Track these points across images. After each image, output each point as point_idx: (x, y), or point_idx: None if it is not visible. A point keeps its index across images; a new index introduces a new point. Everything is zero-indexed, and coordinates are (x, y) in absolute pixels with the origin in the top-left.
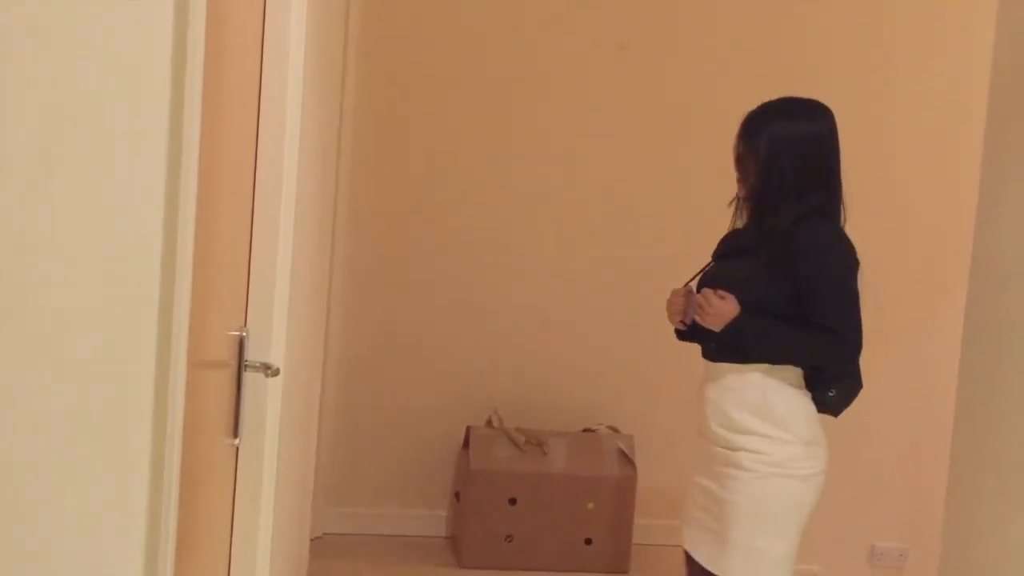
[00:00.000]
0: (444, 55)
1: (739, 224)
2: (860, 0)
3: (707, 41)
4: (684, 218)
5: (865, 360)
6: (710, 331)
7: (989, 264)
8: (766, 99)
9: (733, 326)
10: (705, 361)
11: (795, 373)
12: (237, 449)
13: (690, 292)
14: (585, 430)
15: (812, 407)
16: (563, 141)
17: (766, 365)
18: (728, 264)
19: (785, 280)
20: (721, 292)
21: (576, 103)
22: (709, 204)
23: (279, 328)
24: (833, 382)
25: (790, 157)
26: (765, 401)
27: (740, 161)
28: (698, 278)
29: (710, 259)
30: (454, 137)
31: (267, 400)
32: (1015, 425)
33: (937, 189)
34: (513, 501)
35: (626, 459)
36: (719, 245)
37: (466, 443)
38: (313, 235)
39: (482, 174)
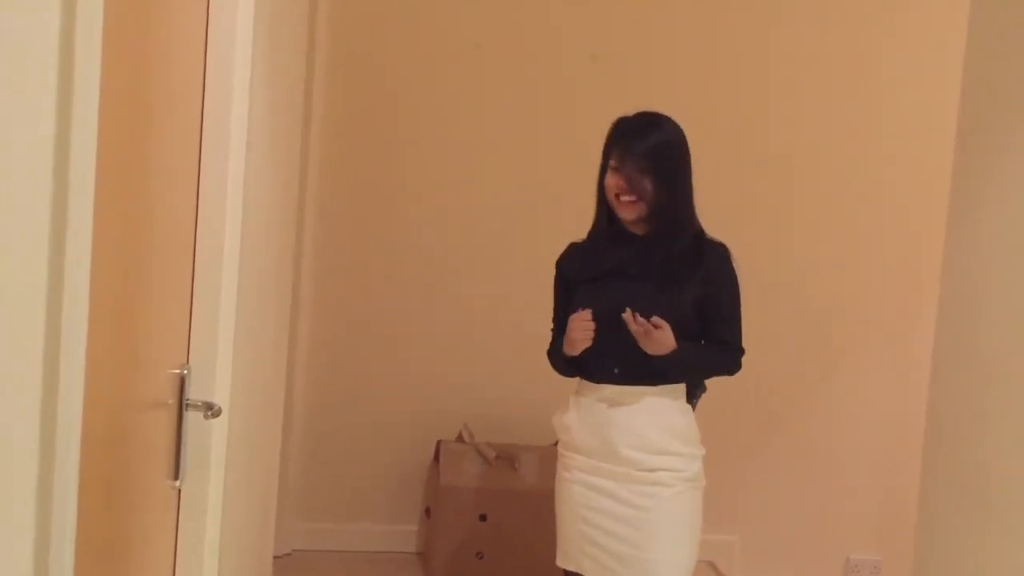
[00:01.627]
0: (414, 62)
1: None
2: (831, 13)
3: (681, 51)
4: None
5: (839, 373)
6: (612, 356)
7: (959, 279)
8: (739, 110)
9: (672, 354)
10: (599, 384)
11: (684, 390)
12: (179, 491)
13: (591, 317)
14: (556, 444)
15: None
16: (536, 149)
17: (670, 385)
18: (632, 284)
19: (694, 298)
20: (656, 320)
21: (549, 110)
22: None
23: (224, 363)
24: (695, 391)
25: (684, 165)
26: (684, 424)
27: (631, 181)
28: (597, 303)
29: (575, 275)
30: (426, 149)
31: (211, 439)
32: (985, 443)
33: (910, 201)
34: (484, 517)
35: None
36: (580, 262)
37: (436, 458)
38: (271, 250)
39: (454, 185)
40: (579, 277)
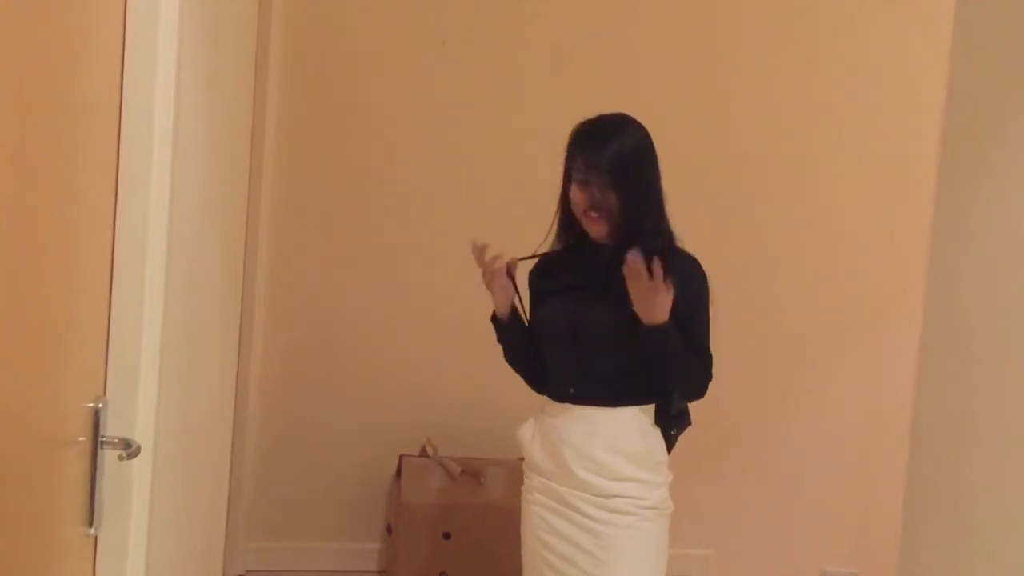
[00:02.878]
0: (376, 58)
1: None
2: (805, 13)
3: (651, 50)
4: None
5: (816, 379)
6: (569, 375)
7: (944, 291)
8: (710, 111)
9: (662, 330)
10: (558, 403)
11: (651, 412)
12: (96, 539)
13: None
14: (522, 458)
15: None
16: (503, 148)
17: (631, 407)
18: (592, 297)
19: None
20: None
21: (514, 108)
22: None
23: (147, 394)
24: (675, 421)
25: (651, 170)
26: (645, 448)
27: (596, 199)
28: (556, 317)
29: (540, 288)
30: (387, 150)
31: (131, 480)
32: (970, 456)
33: (887, 208)
34: (448, 535)
35: None
36: (546, 274)
37: (398, 473)
38: (215, 258)
39: (417, 187)
40: (543, 289)
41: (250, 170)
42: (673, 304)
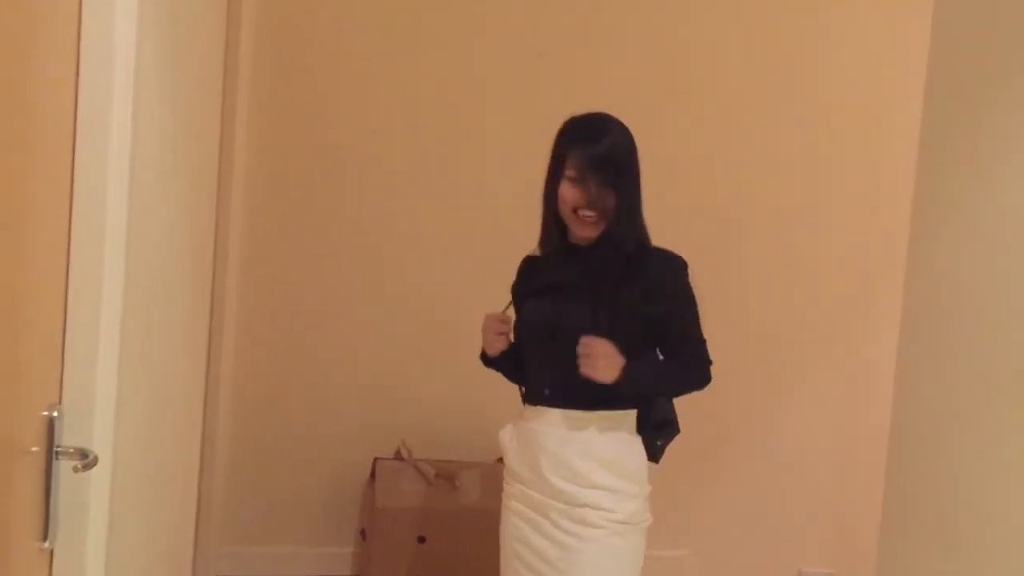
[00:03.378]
0: (349, 55)
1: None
2: (784, 11)
3: (631, 49)
4: None
5: (791, 384)
6: (544, 376)
7: (923, 294)
8: (687, 111)
9: (625, 374)
10: (534, 407)
11: (632, 419)
12: (51, 554)
13: (509, 325)
14: (499, 460)
15: (645, 453)
16: (480, 146)
17: (607, 412)
18: (569, 299)
19: (643, 314)
20: (588, 340)
21: (492, 106)
22: None
23: (105, 401)
24: (661, 429)
25: (637, 170)
26: (618, 454)
27: (592, 197)
28: (533, 318)
29: (520, 291)
30: (360, 148)
31: (88, 491)
32: (949, 458)
33: (864, 209)
34: (423, 539)
35: None
36: (528, 275)
37: (372, 476)
38: (182, 259)
39: (386, 195)
40: (523, 291)
41: (219, 168)
42: (652, 314)
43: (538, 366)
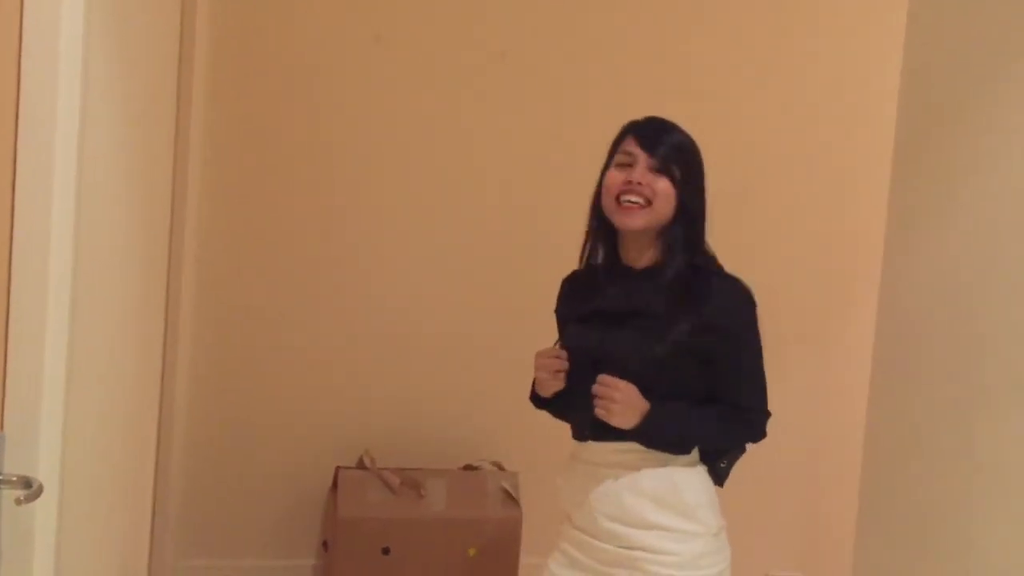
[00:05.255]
0: (309, 54)
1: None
2: (757, 13)
3: (592, 50)
4: (571, 237)
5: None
6: (588, 409)
7: (897, 303)
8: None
9: (646, 421)
10: (581, 443)
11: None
12: None
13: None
14: (466, 467)
15: (712, 486)
16: (436, 157)
17: None
18: (612, 328)
19: (692, 347)
20: (606, 379)
21: (454, 111)
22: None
23: (51, 425)
24: (725, 451)
25: (703, 183)
26: (672, 486)
27: (642, 179)
28: (576, 348)
29: (560, 313)
30: (316, 152)
31: (34, 520)
32: (922, 467)
33: (839, 211)
34: (387, 551)
35: (510, 499)
36: (572, 298)
37: (334, 486)
38: (132, 267)
39: (347, 194)
40: (567, 315)
41: (173, 174)
42: (705, 349)
43: (584, 400)
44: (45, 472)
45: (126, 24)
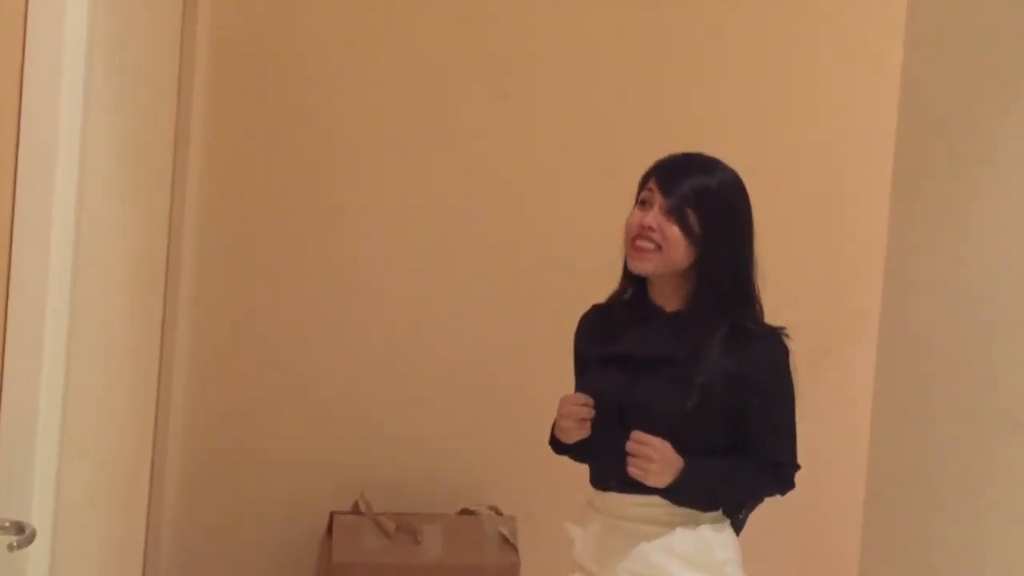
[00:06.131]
0: (314, 104)
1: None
2: (751, 48)
3: (600, 88)
4: (570, 275)
5: None
6: (612, 460)
7: (898, 329)
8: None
9: (681, 479)
10: (602, 492)
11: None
12: None
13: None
14: (463, 511)
15: (737, 540)
16: (435, 194)
17: None
18: (640, 376)
19: (725, 404)
20: (640, 436)
21: (453, 144)
22: (595, 258)
23: (45, 468)
24: (744, 504)
25: (735, 226)
26: (704, 545)
27: (652, 223)
28: (600, 393)
29: (580, 352)
30: (319, 187)
31: (27, 565)
32: (926, 505)
33: (840, 238)
34: None
35: (508, 545)
36: (589, 333)
37: (329, 531)
38: (126, 303)
39: (349, 230)
40: (589, 355)
41: (171, 207)
42: (738, 404)
43: (608, 449)
44: (38, 517)
45: (128, 34)
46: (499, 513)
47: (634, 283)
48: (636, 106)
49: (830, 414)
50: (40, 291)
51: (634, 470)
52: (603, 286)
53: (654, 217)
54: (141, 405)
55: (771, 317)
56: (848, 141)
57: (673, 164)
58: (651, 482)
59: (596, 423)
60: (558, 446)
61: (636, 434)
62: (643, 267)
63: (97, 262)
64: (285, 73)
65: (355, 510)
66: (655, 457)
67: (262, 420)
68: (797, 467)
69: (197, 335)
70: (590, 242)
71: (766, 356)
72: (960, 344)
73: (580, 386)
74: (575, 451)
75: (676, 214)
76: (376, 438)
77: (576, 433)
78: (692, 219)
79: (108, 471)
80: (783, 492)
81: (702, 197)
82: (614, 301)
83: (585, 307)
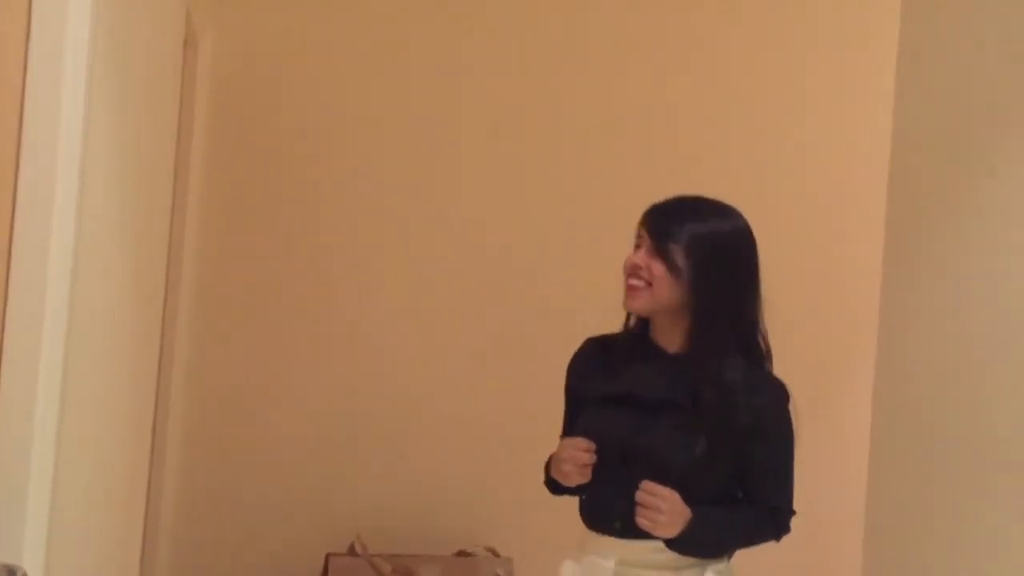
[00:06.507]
0: (312, 134)
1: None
2: (747, 82)
3: (589, 123)
4: (565, 315)
5: None
6: (613, 504)
7: (893, 379)
8: (645, 189)
9: (689, 530)
10: (600, 536)
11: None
12: None
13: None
14: (460, 553)
15: None
16: (428, 235)
17: None
18: (644, 418)
19: (735, 453)
20: (650, 487)
21: (447, 183)
22: (591, 297)
23: (37, 507)
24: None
25: (728, 269)
26: None
27: (640, 262)
28: (603, 435)
29: (572, 387)
30: (314, 237)
31: None
32: (926, 539)
33: (832, 293)
34: None
35: None
36: (592, 371)
37: (325, 573)
38: (124, 342)
39: (342, 273)
40: (587, 392)
41: (168, 253)
42: (739, 450)
43: (611, 492)
44: (30, 560)
45: (130, 39)
46: (496, 554)
47: (639, 321)
48: (627, 145)
49: (827, 457)
50: (34, 349)
51: (643, 521)
52: (599, 325)
53: (642, 256)
54: (136, 449)
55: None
56: (841, 180)
57: (663, 206)
58: (660, 533)
59: (598, 466)
60: (554, 486)
61: (646, 484)
62: (633, 305)
63: (97, 314)
64: (281, 137)
65: (351, 552)
66: (664, 508)
67: (258, 461)
68: (793, 512)
69: (194, 377)
70: (585, 281)
71: (768, 401)
72: (957, 383)
73: (580, 425)
74: (573, 490)
75: (661, 252)
76: (372, 479)
77: (576, 479)
78: (678, 257)
79: (101, 513)
80: (778, 538)
81: (690, 236)
82: (618, 337)
83: (574, 336)
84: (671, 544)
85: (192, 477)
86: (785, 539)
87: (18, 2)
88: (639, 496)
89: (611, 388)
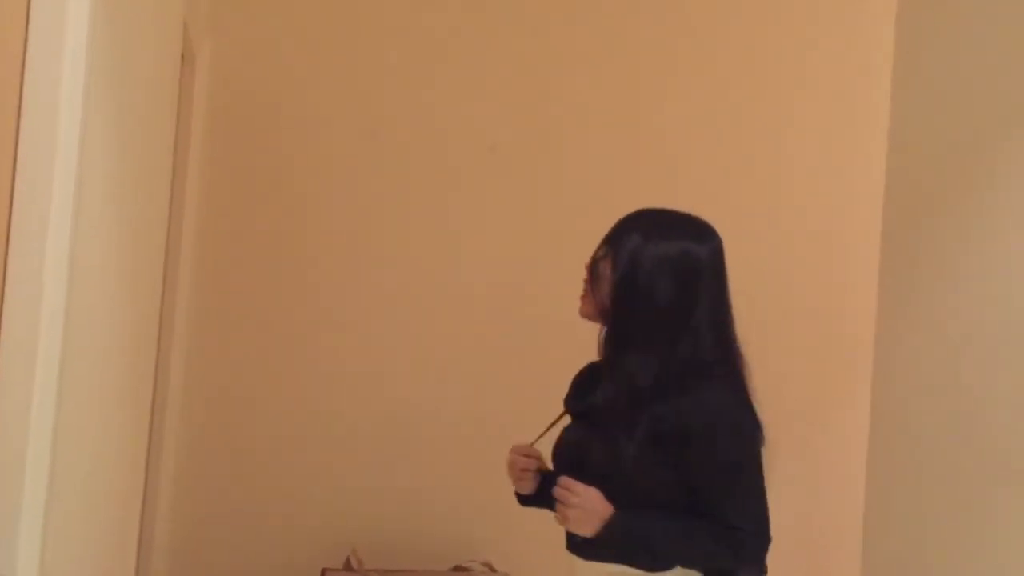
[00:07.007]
0: (308, 146)
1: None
2: (743, 85)
3: (587, 139)
4: (563, 330)
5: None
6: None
7: (890, 392)
8: (641, 197)
9: (608, 529)
10: (572, 555)
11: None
12: None
13: (538, 460)
14: (456, 568)
15: None
16: (426, 250)
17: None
18: (590, 430)
19: (666, 457)
20: (566, 482)
21: (445, 201)
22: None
23: (31, 521)
24: (729, 573)
25: (655, 281)
26: None
27: (592, 267)
28: (549, 437)
29: (563, 407)
30: (308, 251)
31: None
32: (925, 545)
33: (829, 308)
34: None
35: None
36: (574, 387)
37: None
38: (120, 359)
39: (336, 288)
40: (572, 411)
41: (164, 269)
42: (670, 454)
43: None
44: (24, 572)
45: (127, 42)
46: (492, 569)
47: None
48: (623, 152)
49: (825, 462)
50: (29, 372)
51: (557, 516)
52: (596, 341)
53: (590, 262)
54: (131, 464)
55: (764, 377)
56: (838, 183)
57: (625, 218)
58: (574, 529)
59: (553, 478)
60: (520, 498)
61: (563, 479)
62: (582, 310)
63: (87, 311)
64: (275, 155)
65: (347, 567)
66: (574, 502)
67: (254, 475)
68: (762, 536)
69: (189, 390)
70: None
71: (699, 407)
72: (955, 387)
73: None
74: (538, 502)
75: (595, 262)
76: (368, 493)
77: (522, 485)
78: (606, 268)
79: (96, 527)
80: (741, 563)
81: (626, 253)
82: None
83: (579, 361)
84: (592, 543)
85: (187, 491)
86: (784, 542)
87: (16, 10)
88: (555, 491)
89: (580, 404)
